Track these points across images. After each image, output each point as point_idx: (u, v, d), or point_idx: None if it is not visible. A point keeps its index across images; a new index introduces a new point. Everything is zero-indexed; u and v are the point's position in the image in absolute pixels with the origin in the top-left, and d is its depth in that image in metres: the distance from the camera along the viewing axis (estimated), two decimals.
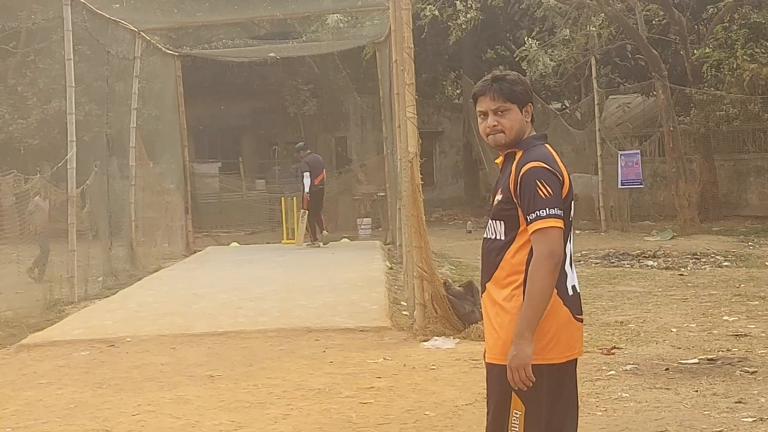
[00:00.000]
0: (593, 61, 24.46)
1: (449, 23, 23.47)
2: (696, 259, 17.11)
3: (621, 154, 23.21)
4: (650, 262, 16.91)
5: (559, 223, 3.88)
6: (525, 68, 24.48)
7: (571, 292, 4.04)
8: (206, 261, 19.41)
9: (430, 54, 31.76)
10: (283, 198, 22.77)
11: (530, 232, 3.92)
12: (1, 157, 24.33)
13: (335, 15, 21.99)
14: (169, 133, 22.30)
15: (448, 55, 33.53)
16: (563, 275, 3.99)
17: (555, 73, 25.17)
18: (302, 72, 32.10)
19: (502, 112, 4.14)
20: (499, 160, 4.25)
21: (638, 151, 23.67)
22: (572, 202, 4.06)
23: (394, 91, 13.31)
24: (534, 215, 3.89)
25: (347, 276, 15.33)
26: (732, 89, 22.93)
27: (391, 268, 16.56)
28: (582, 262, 16.97)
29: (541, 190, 3.89)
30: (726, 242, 19.81)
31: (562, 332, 3.97)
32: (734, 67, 22.08)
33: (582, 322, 4.12)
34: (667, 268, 15.97)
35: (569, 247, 4.07)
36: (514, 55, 25.28)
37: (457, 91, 37.30)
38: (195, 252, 21.37)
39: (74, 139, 14.54)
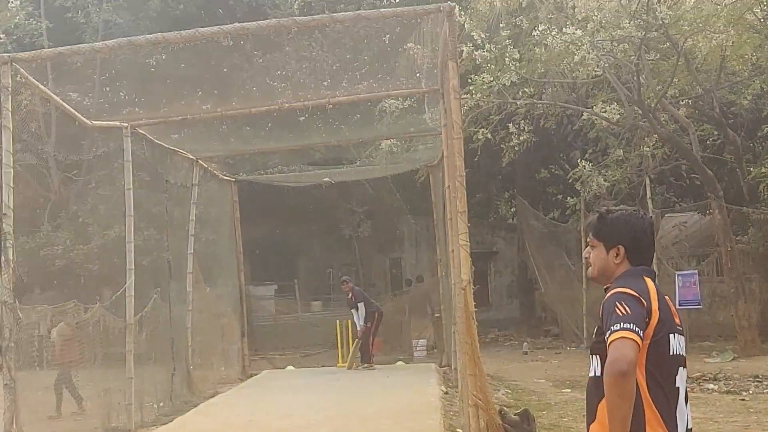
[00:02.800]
0: (647, 181, 24.47)
1: (502, 146, 23.70)
2: (758, 381, 16.79)
3: (678, 275, 23.00)
4: (711, 386, 16.60)
5: (630, 335, 3.76)
6: (579, 189, 24.57)
7: None
8: (262, 386, 19.40)
9: (483, 175, 32.00)
10: (338, 321, 22.82)
11: (607, 348, 3.84)
12: (62, 282, 24.77)
13: (389, 140, 22.31)
14: (226, 257, 22.59)
15: (502, 175, 33.75)
16: (671, 416, 3.91)
17: (609, 194, 25.18)
18: (357, 194, 32.43)
19: (592, 246, 4.29)
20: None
21: (695, 271, 23.42)
22: (673, 336, 3.97)
23: (447, 216, 13.41)
24: (609, 332, 3.83)
25: (402, 401, 15.24)
26: None
27: (446, 393, 16.44)
28: None
29: (618, 309, 3.86)
30: None
31: None
32: None
33: None
34: (728, 392, 15.69)
35: (680, 385, 4.00)
36: (568, 177, 25.39)
37: (512, 210, 37.41)
38: (251, 376, 21.39)
39: (132, 267, 14.80)
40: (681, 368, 4.00)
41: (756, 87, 22.42)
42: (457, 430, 12.63)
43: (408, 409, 14.33)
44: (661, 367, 3.90)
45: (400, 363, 22.96)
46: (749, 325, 22.00)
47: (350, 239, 33.75)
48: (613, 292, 3.97)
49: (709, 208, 24.21)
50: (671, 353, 3.94)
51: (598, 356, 4.01)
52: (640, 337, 3.79)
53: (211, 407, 16.24)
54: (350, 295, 21.71)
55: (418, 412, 14.05)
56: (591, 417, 4.06)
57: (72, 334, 15.07)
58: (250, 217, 25.46)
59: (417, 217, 32.85)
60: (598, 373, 3.97)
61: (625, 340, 3.76)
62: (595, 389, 3.99)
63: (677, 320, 4.06)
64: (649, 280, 4.07)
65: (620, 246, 4.16)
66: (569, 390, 17.18)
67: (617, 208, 4.33)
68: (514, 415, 10.98)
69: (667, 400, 3.90)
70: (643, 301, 3.90)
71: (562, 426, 13.05)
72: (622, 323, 3.80)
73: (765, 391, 15.78)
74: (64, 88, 14.54)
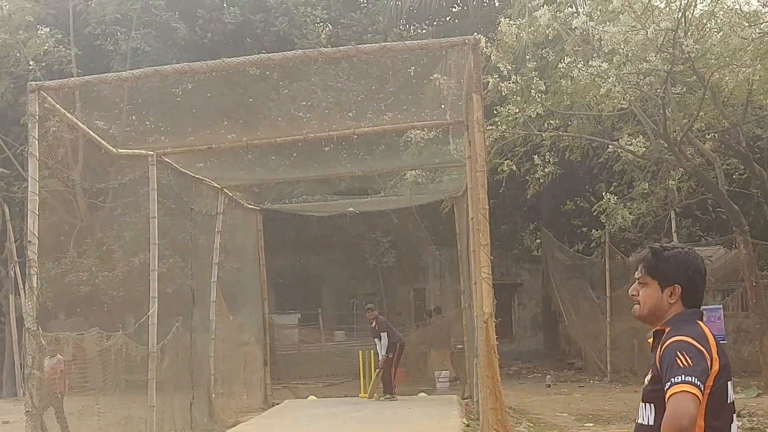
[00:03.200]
0: (673, 215, 24.38)
1: (527, 177, 23.66)
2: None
3: (703, 309, 22.79)
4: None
5: (692, 389, 3.67)
6: (604, 221, 24.50)
7: None
8: (283, 415, 19.37)
9: (508, 206, 31.98)
10: (361, 351, 22.79)
11: (666, 400, 3.74)
12: (86, 308, 24.86)
13: (414, 170, 22.35)
14: (250, 285, 22.64)
15: (527, 206, 33.68)
16: None
17: (635, 226, 25.09)
18: (381, 224, 32.42)
19: (641, 284, 4.14)
20: (649, 339, 4.16)
21: (720, 306, 23.26)
22: (730, 383, 3.94)
23: (471, 247, 13.41)
24: (669, 383, 3.73)
25: None
26: None
27: (468, 425, 16.36)
28: None
29: (680, 359, 3.75)
30: None
31: None
32: None
33: None
34: (752, 429, 15.53)
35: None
36: (593, 209, 25.34)
37: (537, 241, 37.29)
38: (273, 405, 21.37)
39: (156, 295, 14.87)
40: (734, 415, 3.97)
41: None
42: None
43: None
44: (719, 417, 3.83)
45: (422, 394, 22.88)
46: None
47: (374, 269, 33.72)
48: (673, 340, 3.86)
49: (734, 242, 24.07)
50: (728, 401, 3.90)
51: (652, 405, 3.92)
52: (701, 390, 3.71)
53: None
54: (374, 323, 21.67)
55: None
56: None
57: (61, 370, 15.12)
58: (274, 245, 25.51)
59: (441, 248, 32.81)
60: (651, 422, 3.89)
61: (686, 395, 3.67)
62: None
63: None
64: (703, 325, 3.99)
65: (677, 285, 4.06)
66: (591, 424, 17.08)
67: (671, 245, 4.21)
68: None
69: None
70: (705, 351, 3.81)
71: None
72: (683, 376, 3.70)
73: None
74: (91, 115, 14.67)
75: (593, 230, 27.24)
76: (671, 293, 4.05)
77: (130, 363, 15.13)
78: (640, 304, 4.13)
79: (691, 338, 3.84)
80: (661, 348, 3.91)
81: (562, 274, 30.19)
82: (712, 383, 3.81)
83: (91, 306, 25.37)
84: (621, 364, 26.44)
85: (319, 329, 32.20)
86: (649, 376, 3.98)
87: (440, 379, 25.08)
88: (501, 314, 24.44)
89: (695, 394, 3.67)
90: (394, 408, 19.70)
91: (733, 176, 25.23)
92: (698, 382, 3.69)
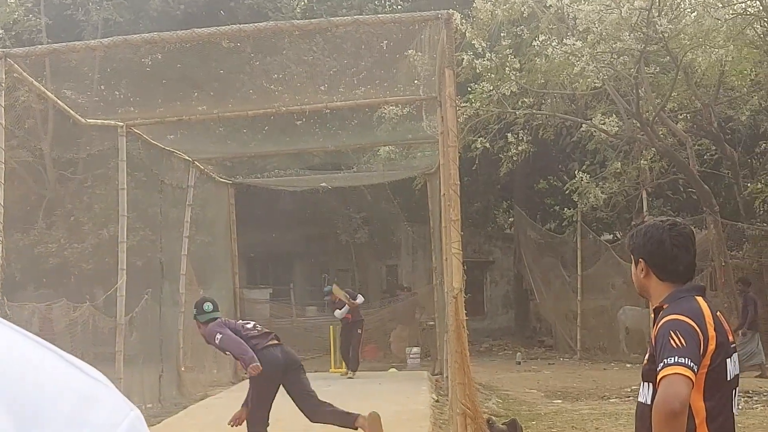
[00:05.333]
0: (644, 195, 24.46)
1: (501, 155, 23.67)
2: (748, 397, 16.68)
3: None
4: None
5: (684, 371, 3.58)
6: (576, 200, 24.56)
7: None
8: None
9: (481, 184, 31.96)
10: (332, 326, 22.76)
11: (658, 383, 3.69)
12: (55, 280, 24.72)
13: (387, 146, 22.32)
14: (221, 260, 22.53)
15: (500, 184, 33.69)
16: None
17: (606, 205, 25.16)
18: (354, 200, 32.35)
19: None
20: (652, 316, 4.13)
21: None
22: (730, 360, 3.86)
23: (442, 224, 13.38)
24: (661, 364, 3.65)
25: (392, 409, 15.12)
26: None
27: (437, 401, 16.38)
28: (631, 398, 16.69)
29: (673, 339, 3.66)
30: None
31: None
32: None
33: None
34: None
35: (735, 410, 3.94)
36: (565, 188, 25.40)
37: (510, 220, 37.36)
38: (243, 379, 21.26)
39: (125, 267, 14.75)
40: (735, 390, 3.94)
41: (754, 103, 22.45)
42: None
43: (397, 417, 14.25)
44: (717, 395, 3.78)
45: (392, 370, 22.90)
46: None
47: (347, 245, 33.68)
48: (667, 319, 3.78)
49: (704, 222, 24.21)
50: (728, 378, 3.84)
51: (650, 384, 3.86)
52: (694, 372, 3.63)
53: (201, 410, 16.17)
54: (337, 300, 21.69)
55: (407, 420, 13.99)
56: None
57: None
58: (246, 220, 25.39)
59: (414, 224, 32.80)
60: (649, 401, 3.83)
61: (678, 377, 3.60)
62: (646, 418, 3.84)
63: (731, 337, 3.93)
64: (701, 300, 3.90)
65: (641, 259, 4.04)
66: (560, 401, 17.15)
67: (646, 221, 4.20)
68: (502, 425, 10.96)
69: (724, 426, 3.81)
70: (698, 330, 3.73)
71: None
72: (675, 357, 3.62)
73: (755, 406, 15.73)
74: (61, 85, 14.50)
75: (565, 209, 27.32)
76: (641, 268, 4.03)
77: (97, 335, 15.06)
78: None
79: (686, 316, 3.77)
80: (656, 326, 3.86)
81: (534, 252, 30.28)
82: (709, 362, 3.74)
83: (60, 278, 25.25)
84: (590, 342, 26.59)
85: (291, 304, 32.13)
86: (647, 355, 3.94)
87: (411, 356, 25.09)
88: (473, 292, 24.55)
89: (688, 376, 3.60)
90: (364, 383, 19.69)
91: (705, 157, 25.38)
92: (691, 363, 3.63)
